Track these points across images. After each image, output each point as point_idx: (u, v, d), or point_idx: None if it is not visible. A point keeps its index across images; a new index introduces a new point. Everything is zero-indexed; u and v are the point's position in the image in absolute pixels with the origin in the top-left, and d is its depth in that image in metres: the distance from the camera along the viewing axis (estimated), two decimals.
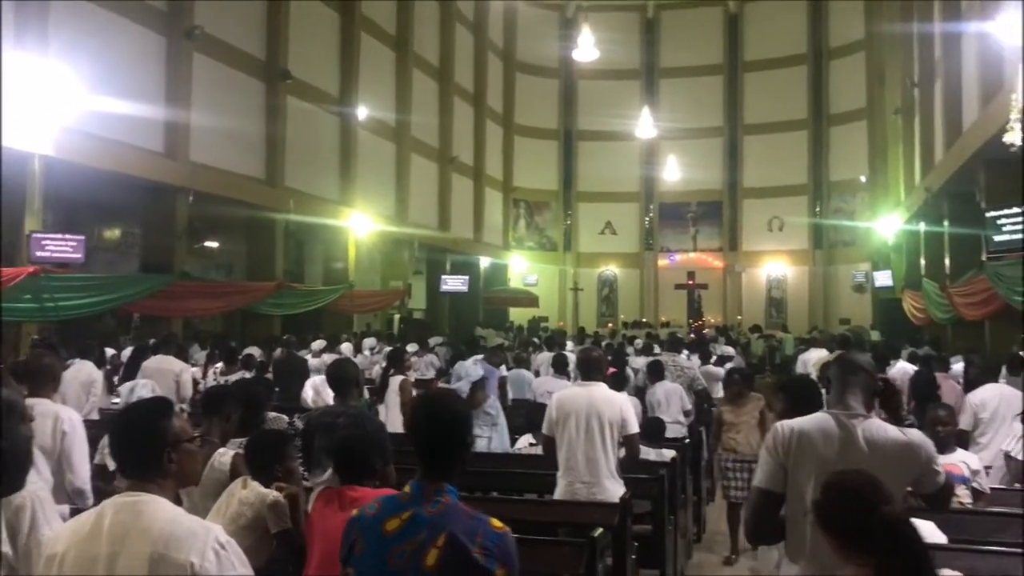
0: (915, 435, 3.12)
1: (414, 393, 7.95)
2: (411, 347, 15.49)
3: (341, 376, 5.24)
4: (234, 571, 2.18)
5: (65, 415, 4.26)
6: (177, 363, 9.30)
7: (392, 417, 7.78)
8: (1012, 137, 10.70)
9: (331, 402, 5.87)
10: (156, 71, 14.43)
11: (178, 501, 3.36)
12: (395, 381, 8.54)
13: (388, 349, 12.84)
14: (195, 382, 9.93)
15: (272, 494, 3.53)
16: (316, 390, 9.06)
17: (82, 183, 13.17)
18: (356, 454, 3.33)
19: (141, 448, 2.29)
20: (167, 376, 8.84)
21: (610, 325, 29.55)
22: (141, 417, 2.37)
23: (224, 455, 3.96)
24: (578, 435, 5.23)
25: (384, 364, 10.90)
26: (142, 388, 7.95)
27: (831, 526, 2.30)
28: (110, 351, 11.55)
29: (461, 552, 2.28)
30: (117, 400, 8.57)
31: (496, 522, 2.37)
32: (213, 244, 19.05)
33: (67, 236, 12.46)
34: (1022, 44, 10.45)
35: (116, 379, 9.89)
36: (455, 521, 2.33)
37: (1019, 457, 5.50)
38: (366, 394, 7.80)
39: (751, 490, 3.27)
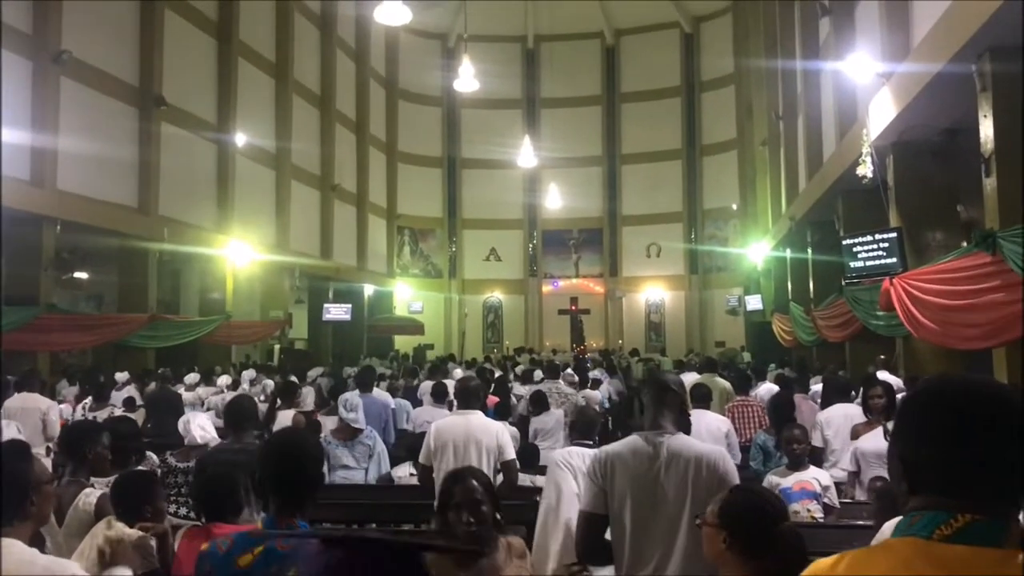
0: (714, 450, 3.33)
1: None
2: (313, 372, 15.24)
3: (239, 413, 5.21)
4: None
5: None
6: (43, 400, 8.91)
7: None
8: (863, 170, 11.47)
9: (218, 437, 5.78)
10: (21, 96, 13.84)
11: (40, 541, 3.30)
12: (285, 415, 8.35)
13: (268, 382, 12.61)
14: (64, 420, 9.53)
15: (138, 534, 3.47)
16: (202, 427, 8.78)
17: None
18: (220, 491, 3.36)
19: (4, 493, 2.28)
20: (32, 415, 8.46)
21: (496, 353, 29.73)
22: (3, 463, 2.35)
23: (90, 495, 3.88)
24: (456, 463, 5.29)
25: (268, 397, 10.68)
26: (5, 428, 7.61)
27: (737, 531, 2.44)
28: None
29: None
30: None
31: None
32: (82, 275, 18.36)
33: None
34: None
35: None
36: (305, 555, 2.31)
37: (851, 469, 5.94)
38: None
39: (578, 514, 3.43)
